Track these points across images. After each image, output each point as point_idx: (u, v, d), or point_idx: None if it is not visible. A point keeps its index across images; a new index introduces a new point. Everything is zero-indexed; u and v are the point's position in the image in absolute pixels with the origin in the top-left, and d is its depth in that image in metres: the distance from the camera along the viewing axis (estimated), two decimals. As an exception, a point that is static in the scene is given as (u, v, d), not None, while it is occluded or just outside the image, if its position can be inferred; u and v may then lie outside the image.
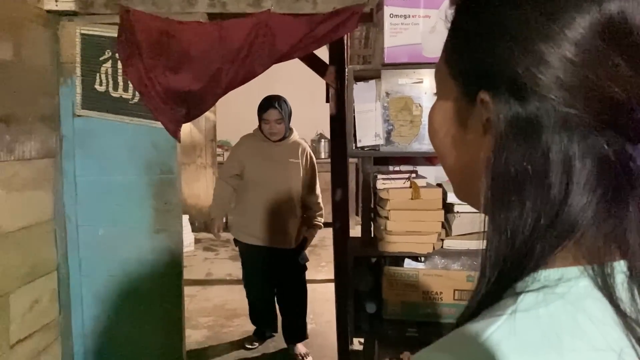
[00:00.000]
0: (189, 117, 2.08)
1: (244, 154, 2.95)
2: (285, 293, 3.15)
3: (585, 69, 0.39)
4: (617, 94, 0.39)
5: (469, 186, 0.51)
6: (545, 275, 0.40)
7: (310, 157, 3.07)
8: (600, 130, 0.39)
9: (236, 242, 3.08)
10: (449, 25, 0.50)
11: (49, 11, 2.02)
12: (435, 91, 0.54)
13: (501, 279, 0.42)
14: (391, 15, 1.79)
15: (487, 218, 0.45)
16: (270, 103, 2.84)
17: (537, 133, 0.41)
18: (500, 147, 0.43)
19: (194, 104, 2.04)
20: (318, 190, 3.13)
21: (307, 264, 3.18)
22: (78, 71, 2.08)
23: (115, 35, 2.02)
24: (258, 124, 2.97)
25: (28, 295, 1.95)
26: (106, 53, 2.06)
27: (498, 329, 0.39)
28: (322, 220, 3.13)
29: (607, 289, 0.39)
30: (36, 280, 2.00)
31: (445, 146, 0.52)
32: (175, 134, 2.07)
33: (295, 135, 3.03)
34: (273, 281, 3.10)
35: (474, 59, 0.45)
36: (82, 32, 2.07)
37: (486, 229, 0.44)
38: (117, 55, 2.05)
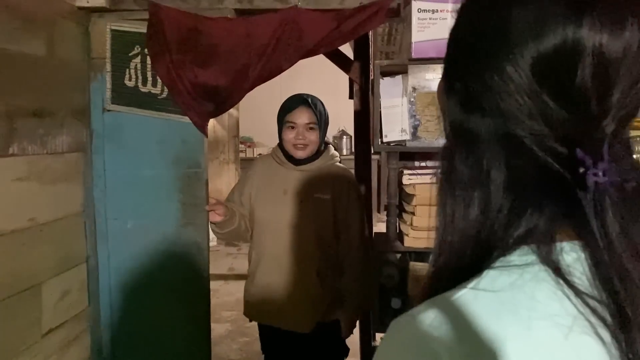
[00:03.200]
0: (217, 112, 2.11)
1: (252, 182, 2.08)
2: None
3: (520, 98, 0.45)
4: (539, 123, 0.45)
5: None
6: (506, 258, 0.46)
7: (355, 190, 2.03)
8: (526, 143, 0.46)
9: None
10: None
11: (80, 8, 2.06)
12: None
13: (451, 262, 0.50)
14: (419, 10, 1.78)
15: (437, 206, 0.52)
16: (301, 99, 1.98)
17: (476, 142, 0.48)
18: (449, 147, 0.51)
19: (221, 99, 2.06)
20: (361, 247, 1.99)
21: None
22: (108, 67, 2.11)
23: (145, 31, 2.05)
24: (278, 136, 2.05)
25: (59, 285, 1.99)
26: (135, 49, 2.10)
27: (463, 295, 0.44)
28: (364, 298, 2.00)
29: (553, 265, 0.43)
30: (67, 271, 2.04)
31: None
32: (202, 128, 2.09)
33: (332, 156, 2.06)
34: None
35: (449, 74, 0.53)
36: (112, 28, 2.10)
37: (438, 217, 0.52)
38: (146, 50, 2.08)
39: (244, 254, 5.21)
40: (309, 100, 1.97)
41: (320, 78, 7.07)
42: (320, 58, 2.37)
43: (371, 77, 2.31)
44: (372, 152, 2.45)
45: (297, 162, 2.01)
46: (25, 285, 1.80)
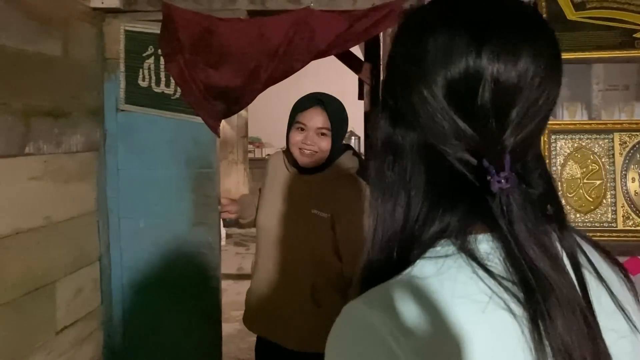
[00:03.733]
0: (229, 113, 2.12)
1: (264, 179, 1.93)
2: None
3: (435, 116, 0.53)
4: (451, 138, 0.53)
5: None
6: (434, 249, 0.53)
7: (361, 206, 1.71)
8: (439, 151, 0.54)
9: None
10: None
11: (95, 9, 2.08)
12: None
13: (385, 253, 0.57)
14: (432, 12, 1.79)
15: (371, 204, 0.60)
16: (316, 99, 1.75)
17: (401, 151, 0.57)
18: (378, 156, 0.59)
19: (233, 100, 2.07)
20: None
21: None
22: (122, 67, 2.13)
23: (158, 31, 2.07)
24: (286, 136, 1.81)
25: (72, 283, 2.01)
26: (149, 49, 2.11)
27: (397, 281, 0.52)
28: None
29: (469, 253, 0.51)
30: (80, 270, 2.06)
31: None
32: (214, 129, 2.10)
33: (345, 167, 1.81)
34: None
35: (384, 92, 0.60)
36: (126, 28, 2.12)
37: (371, 216, 0.60)
38: (159, 51, 2.09)
39: (253, 254, 5.23)
40: (324, 102, 1.74)
41: (329, 79, 7.07)
42: (329, 59, 2.37)
43: (381, 78, 2.31)
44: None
45: (302, 169, 1.78)
46: (40, 283, 1.82)
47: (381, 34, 2.64)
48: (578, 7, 1.89)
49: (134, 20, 2.13)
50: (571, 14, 1.88)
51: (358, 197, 1.74)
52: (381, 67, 2.67)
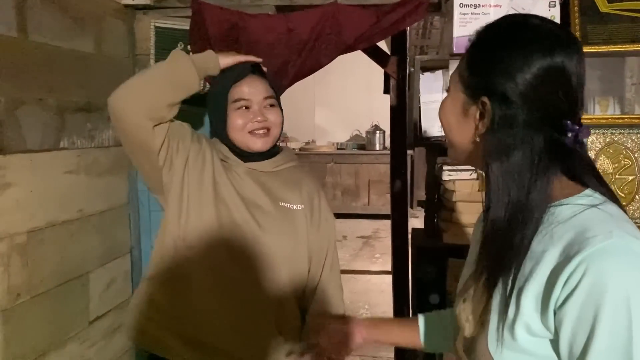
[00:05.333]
0: (257, 108, 2.13)
1: (196, 157, 1.41)
2: None
3: (538, 95, 0.79)
4: (552, 112, 0.80)
5: (465, 151, 0.90)
6: (573, 199, 0.81)
7: (326, 200, 1.54)
8: (543, 126, 0.80)
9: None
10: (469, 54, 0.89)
11: (126, 5, 2.12)
12: (447, 89, 0.95)
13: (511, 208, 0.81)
14: (461, 5, 1.78)
15: (485, 172, 0.84)
16: (248, 66, 1.46)
17: (513, 122, 0.80)
18: (492, 128, 0.82)
19: (261, 95, 2.09)
20: (339, 280, 1.54)
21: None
22: (152, 63, 2.17)
23: (188, 27, 2.09)
24: (215, 127, 1.51)
25: (105, 275, 2.06)
26: (179, 45, 2.14)
27: (602, 215, 0.78)
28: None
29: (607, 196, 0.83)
30: (112, 262, 2.11)
31: (452, 125, 0.91)
32: (242, 123, 2.12)
33: (293, 153, 1.61)
34: None
35: (480, 79, 0.84)
36: (156, 25, 2.16)
37: (487, 179, 0.84)
38: (189, 47, 2.12)
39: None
40: (255, 66, 1.46)
41: (354, 73, 7.05)
42: (355, 52, 2.37)
43: (408, 72, 2.30)
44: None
45: (248, 156, 1.44)
46: (74, 275, 1.87)
47: (407, 27, 2.63)
48: (611, -1, 1.85)
49: (164, 16, 2.17)
50: (604, 7, 1.84)
51: (322, 190, 1.56)
52: (407, 60, 2.67)
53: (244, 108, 1.42)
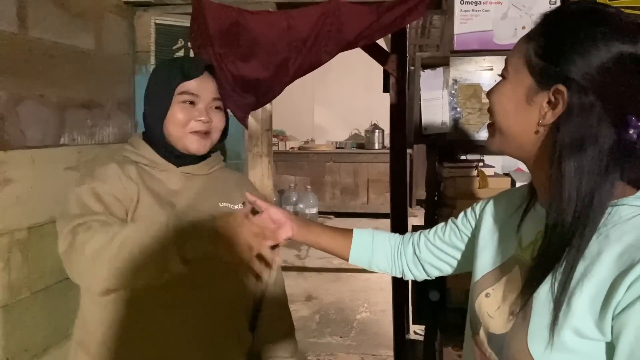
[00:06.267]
0: (258, 105, 2.14)
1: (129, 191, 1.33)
2: None
3: (616, 85, 0.76)
4: (625, 104, 0.77)
5: (519, 140, 0.86)
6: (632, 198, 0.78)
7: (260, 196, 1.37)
8: (621, 116, 0.76)
9: None
10: (534, 41, 0.85)
11: (126, 2, 2.12)
12: (501, 74, 0.89)
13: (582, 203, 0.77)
14: (462, 2, 1.78)
15: (555, 165, 0.79)
16: (204, 64, 1.42)
17: (590, 113, 0.77)
18: (567, 118, 0.79)
19: (262, 92, 2.09)
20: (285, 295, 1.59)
21: None
22: (152, 60, 2.17)
23: (188, 24, 2.09)
24: (149, 118, 1.42)
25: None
26: (179, 42, 2.15)
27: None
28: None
29: None
30: (112, 259, 2.10)
31: (509, 112, 0.86)
32: (243, 121, 2.12)
33: (220, 159, 1.52)
34: None
35: (557, 66, 0.80)
36: (157, 21, 2.16)
37: (557, 173, 0.79)
38: (189, 44, 2.12)
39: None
40: (211, 67, 1.42)
41: (353, 72, 7.06)
42: (354, 50, 2.37)
43: (408, 70, 2.30)
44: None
45: (181, 159, 1.36)
46: (74, 271, 1.86)
47: (407, 25, 2.62)
48: (612, -4, 1.85)
49: (164, 13, 2.17)
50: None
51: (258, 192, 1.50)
52: (407, 58, 2.66)
53: (189, 103, 1.33)
